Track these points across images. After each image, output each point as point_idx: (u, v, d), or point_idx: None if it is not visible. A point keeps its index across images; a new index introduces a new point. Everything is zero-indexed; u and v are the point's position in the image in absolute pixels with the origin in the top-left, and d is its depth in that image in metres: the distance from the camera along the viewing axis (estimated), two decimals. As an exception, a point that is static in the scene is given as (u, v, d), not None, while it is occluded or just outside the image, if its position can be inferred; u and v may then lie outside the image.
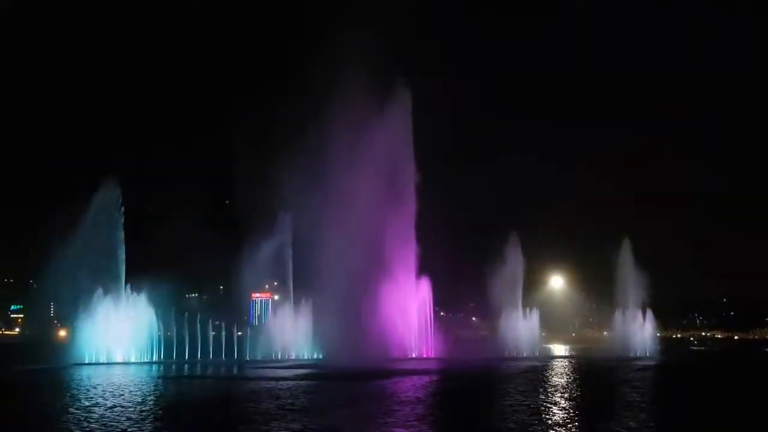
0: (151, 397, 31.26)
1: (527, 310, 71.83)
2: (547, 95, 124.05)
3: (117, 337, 56.31)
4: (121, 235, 57.81)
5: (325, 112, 63.72)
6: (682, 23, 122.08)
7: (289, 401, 28.98)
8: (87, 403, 28.01)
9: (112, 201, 57.96)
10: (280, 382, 38.09)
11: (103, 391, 33.02)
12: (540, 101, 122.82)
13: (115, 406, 26.99)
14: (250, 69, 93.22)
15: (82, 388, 34.85)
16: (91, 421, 23.34)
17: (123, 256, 57.78)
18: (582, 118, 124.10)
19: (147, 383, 38.42)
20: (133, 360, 56.66)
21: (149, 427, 22.45)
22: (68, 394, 31.93)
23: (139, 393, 32.53)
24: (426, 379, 42.66)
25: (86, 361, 54.10)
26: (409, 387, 36.54)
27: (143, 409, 26.73)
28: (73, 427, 22.24)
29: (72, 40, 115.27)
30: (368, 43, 59.72)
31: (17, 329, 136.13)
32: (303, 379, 40.38)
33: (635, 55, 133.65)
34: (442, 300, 72.72)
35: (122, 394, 31.47)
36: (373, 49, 60.22)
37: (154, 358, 58.14)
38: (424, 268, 66.35)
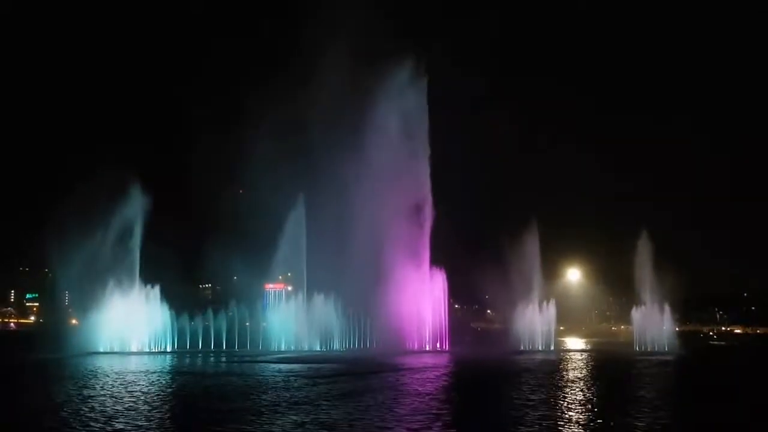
0: (161, 388, 31.06)
1: (544, 303, 70.95)
2: (568, 87, 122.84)
3: (130, 326, 56.49)
4: (139, 229, 57.75)
5: (337, 101, 63.40)
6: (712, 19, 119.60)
7: (296, 393, 28.61)
8: (102, 392, 27.93)
9: (132, 195, 57.90)
10: (290, 375, 37.72)
11: (115, 380, 32.91)
12: (561, 93, 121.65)
13: (129, 397, 26.78)
14: (256, 60, 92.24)
15: (96, 377, 34.79)
16: (103, 410, 23.14)
17: (138, 249, 57.82)
18: (604, 108, 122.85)
19: (159, 374, 38.21)
20: (146, 350, 56.76)
21: (161, 417, 22.34)
22: (80, 384, 31.68)
23: (151, 384, 32.31)
24: (438, 372, 42.16)
25: (101, 350, 54.27)
26: (420, 380, 36.10)
27: (155, 399, 26.54)
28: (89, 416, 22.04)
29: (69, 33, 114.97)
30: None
31: (32, 317, 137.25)
32: (313, 373, 39.93)
33: (661, 47, 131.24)
34: (456, 292, 72.02)
35: (136, 385, 31.29)
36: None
37: (167, 348, 58.17)
38: (438, 259, 65.82)
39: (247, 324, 65.09)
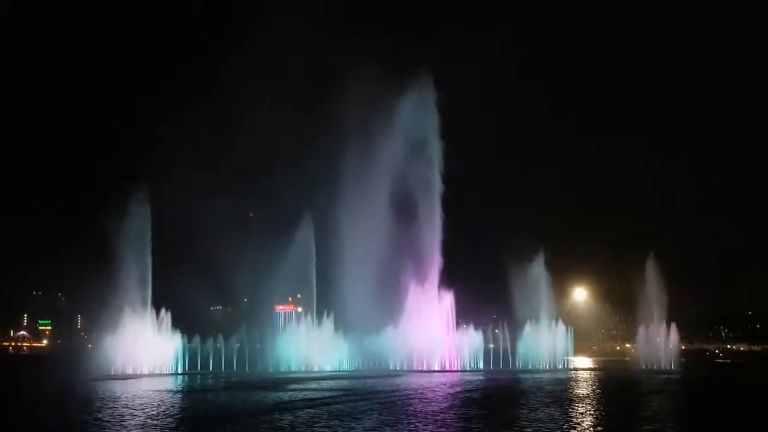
0: (173, 410, 31.79)
1: (551, 322, 71.34)
2: (577, 105, 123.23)
3: (142, 350, 57.13)
4: (149, 258, 58.49)
5: (347, 118, 64.50)
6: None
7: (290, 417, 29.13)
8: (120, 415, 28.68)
9: (142, 221, 58.68)
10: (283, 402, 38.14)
11: (131, 403, 33.63)
12: (573, 110, 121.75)
13: (143, 417, 27.58)
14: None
15: (111, 401, 35.51)
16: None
17: (150, 273, 58.56)
18: (613, 126, 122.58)
19: (171, 396, 38.99)
20: (158, 372, 57.36)
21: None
22: (97, 408, 32.40)
23: (166, 407, 33.00)
24: (445, 391, 42.60)
25: (112, 374, 54.88)
26: (425, 400, 36.46)
27: (169, 422, 27.29)
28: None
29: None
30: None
31: (45, 341, 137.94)
32: (318, 400, 40.32)
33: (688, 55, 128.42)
34: (464, 312, 72.59)
35: (151, 406, 32.05)
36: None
37: (179, 371, 58.78)
38: (447, 279, 66.45)
39: (258, 346, 65.70)
